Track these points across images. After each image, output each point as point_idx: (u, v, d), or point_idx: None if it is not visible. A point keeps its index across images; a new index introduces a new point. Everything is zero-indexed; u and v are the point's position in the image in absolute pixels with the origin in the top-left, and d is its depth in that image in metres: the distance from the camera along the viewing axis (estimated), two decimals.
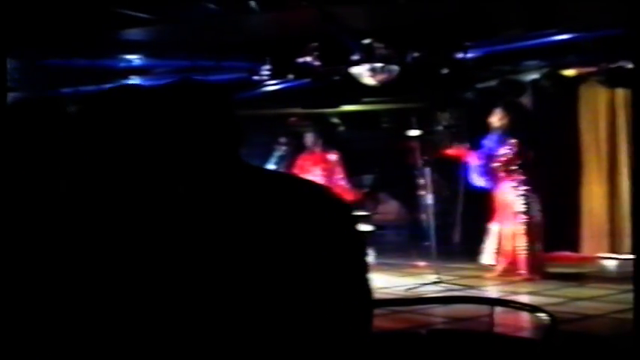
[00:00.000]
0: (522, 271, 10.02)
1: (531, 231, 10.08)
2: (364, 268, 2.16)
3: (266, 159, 12.04)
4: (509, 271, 10.15)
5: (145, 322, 2.00)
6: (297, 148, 12.23)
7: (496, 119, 10.50)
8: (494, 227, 10.40)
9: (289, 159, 12.17)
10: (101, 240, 2.04)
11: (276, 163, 12.14)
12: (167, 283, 1.99)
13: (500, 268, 10.26)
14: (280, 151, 12.34)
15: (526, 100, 12.13)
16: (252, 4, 9.30)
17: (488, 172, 10.36)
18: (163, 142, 2.04)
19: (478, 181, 10.50)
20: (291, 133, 13.10)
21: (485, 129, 10.63)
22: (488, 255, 10.41)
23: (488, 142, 10.49)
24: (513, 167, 10.19)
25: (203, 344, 1.97)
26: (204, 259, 1.99)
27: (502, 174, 10.27)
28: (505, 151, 10.27)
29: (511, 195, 10.20)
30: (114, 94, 2.24)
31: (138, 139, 2.13)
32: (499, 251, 10.28)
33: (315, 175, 11.35)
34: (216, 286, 1.98)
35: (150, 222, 2.02)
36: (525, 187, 10.14)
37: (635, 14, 4.84)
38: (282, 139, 12.44)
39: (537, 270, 10.05)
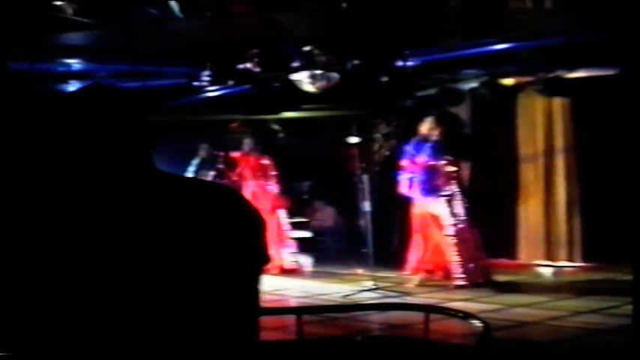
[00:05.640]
0: (459, 279, 9.94)
1: (462, 240, 10.06)
2: (257, 280, 2.14)
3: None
4: (446, 279, 10.17)
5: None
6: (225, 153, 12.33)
7: (425, 128, 10.35)
8: (416, 238, 10.42)
9: (211, 164, 12.23)
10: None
11: (197, 168, 12.24)
12: (64, 284, 1.97)
13: (420, 277, 10.29)
14: (201, 156, 12.41)
15: (464, 108, 12.24)
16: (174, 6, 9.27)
17: (418, 183, 10.31)
18: (73, 146, 2.03)
19: (405, 190, 10.45)
20: (230, 138, 13.13)
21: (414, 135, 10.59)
22: (410, 265, 10.47)
23: (411, 148, 10.42)
24: (444, 179, 10.18)
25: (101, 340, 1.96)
26: (104, 257, 1.97)
27: (432, 185, 10.21)
28: (437, 163, 10.22)
29: (438, 206, 10.16)
30: (25, 99, 2.21)
31: (47, 144, 2.11)
32: (423, 261, 10.34)
33: (247, 178, 11.82)
34: (113, 288, 1.97)
35: (52, 224, 2.00)
36: (454, 199, 10.14)
37: (628, 18, 4.90)
38: (203, 145, 12.48)
39: (481, 276, 10.03)
